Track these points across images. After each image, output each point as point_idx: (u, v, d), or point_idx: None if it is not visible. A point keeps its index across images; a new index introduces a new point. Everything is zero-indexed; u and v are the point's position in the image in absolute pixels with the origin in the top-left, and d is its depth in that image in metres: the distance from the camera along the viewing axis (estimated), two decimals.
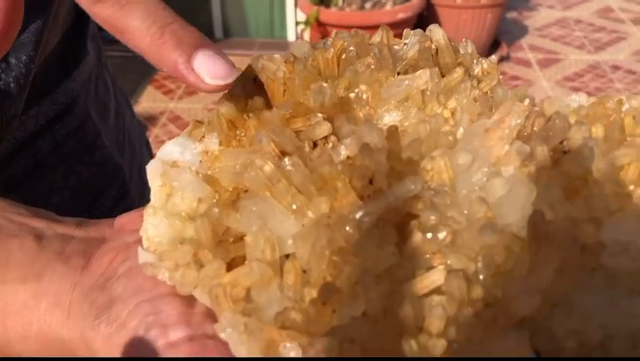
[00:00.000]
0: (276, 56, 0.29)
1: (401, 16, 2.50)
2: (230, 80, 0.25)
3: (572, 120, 0.25)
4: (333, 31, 0.31)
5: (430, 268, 0.22)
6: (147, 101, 2.51)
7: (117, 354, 0.23)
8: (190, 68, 0.24)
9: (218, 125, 0.28)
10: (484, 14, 2.71)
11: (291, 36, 3.02)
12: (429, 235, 0.22)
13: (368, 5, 2.61)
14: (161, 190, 0.26)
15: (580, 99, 0.27)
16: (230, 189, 0.25)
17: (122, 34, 0.25)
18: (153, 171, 0.27)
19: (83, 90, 0.51)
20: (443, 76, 0.28)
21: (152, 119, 2.40)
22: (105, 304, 0.25)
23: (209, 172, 0.26)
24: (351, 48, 0.28)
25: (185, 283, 0.23)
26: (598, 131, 0.25)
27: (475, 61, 0.28)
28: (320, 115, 0.26)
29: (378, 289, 0.21)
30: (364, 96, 0.28)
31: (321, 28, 2.57)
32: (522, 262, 0.21)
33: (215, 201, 0.24)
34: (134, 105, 2.54)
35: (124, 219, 0.30)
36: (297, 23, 2.81)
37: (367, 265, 0.21)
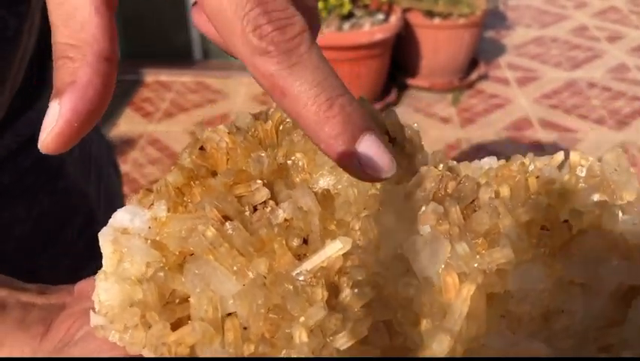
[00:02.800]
0: (220, 126, 0.32)
1: (379, 36, 2.57)
2: (389, 175, 0.23)
3: (483, 181, 0.28)
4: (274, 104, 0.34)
5: (358, 320, 0.24)
6: (126, 124, 2.51)
7: None
8: (353, 153, 0.22)
9: (166, 193, 0.30)
10: (461, 34, 2.83)
11: None
12: (356, 291, 0.25)
13: (346, 26, 2.69)
14: (113, 256, 0.28)
15: (491, 162, 0.30)
16: (177, 253, 0.27)
17: (283, 95, 0.22)
18: (105, 238, 0.29)
19: None
20: None
21: (130, 142, 2.40)
22: None
23: (157, 238, 0.28)
24: (288, 120, 0.31)
25: (134, 344, 0.25)
26: (504, 191, 0.28)
27: (400, 126, 0.32)
28: (259, 181, 0.29)
29: (310, 343, 0.23)
30: (300, 163, 0.30)
31: None
32: (438, 310, 0.24)
33: (162, 265, 0.27)
34: (112, 128, 2.51)
35: (83, 285, 0.32)
36: None
37: (301, 321, 0.23)
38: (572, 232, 0.26)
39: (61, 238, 0.54)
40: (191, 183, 0.30)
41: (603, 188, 0.27)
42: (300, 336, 0.23)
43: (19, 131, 0.49)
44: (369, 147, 0.22)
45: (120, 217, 0.30)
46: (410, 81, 2.91)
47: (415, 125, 0.32)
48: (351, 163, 0.22)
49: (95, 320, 0.26)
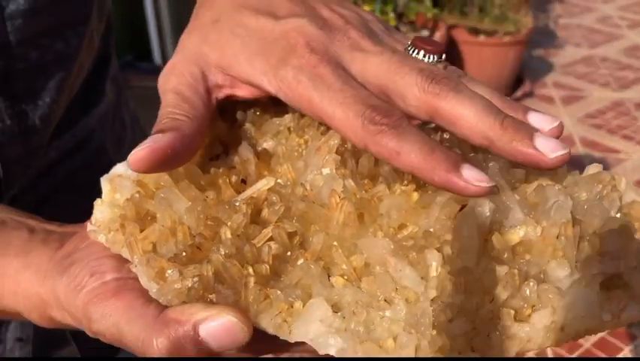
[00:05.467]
0: None
1: None
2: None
3: None
4: None
5: (268, 228, 0.36)
6: None
7: (72, 294, 0.37)
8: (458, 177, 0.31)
9: None
10: (505, 51, 2.92)
11: None
12: (271, 209, 0.37)
13: None
14: (109, 192, 0.41)
15: None
16: (154, 189, 0.41)
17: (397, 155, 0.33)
18: (105, 180, 0.42)
19: (100, 126, 0.67)
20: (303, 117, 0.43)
21: None
22: (67, 266, 0.39)
23: (142, 180, 0.41)
24: (241, 103, 0.44)
25: (115, 243, 0.38)
26: None
27: None
28: (217, 142, 0.42)
29: (234, 241, 0.36)
30: (249, 132, 0.43)
31: None
32: (323, 220, 0.36)
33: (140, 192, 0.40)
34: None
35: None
36: None
37: (228, 224, 0.36)
38: None
39: None
40: None
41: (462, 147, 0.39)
42: (225, 233, 0.35)
43: (77, 134, 0.64)
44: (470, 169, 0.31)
45: (118, 168, 0.44)
46: None
47: None
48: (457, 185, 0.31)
49: (89, 227, 0.39)
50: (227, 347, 0.32)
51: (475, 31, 3.02)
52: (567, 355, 1.74)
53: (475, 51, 3.02)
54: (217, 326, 0.31)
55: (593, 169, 0.38)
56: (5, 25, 0.51)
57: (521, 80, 3.10)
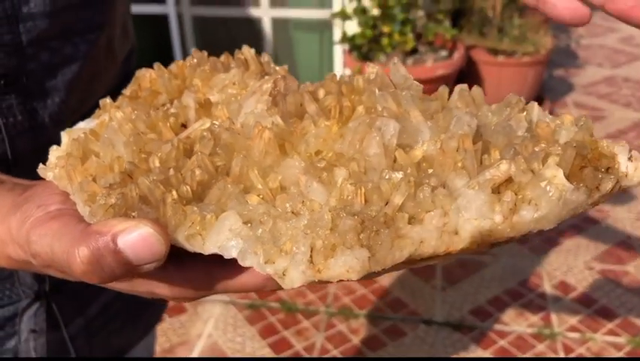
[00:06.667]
0: (150, 69, 0.48)
1: (440, 72, 2.72)
2: None
3: (311, 89, 0.43)
4: (192, 49, 0.50)
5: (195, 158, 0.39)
6: None
7: (21, 225, 0.40)
8: None
9: (109, 108, 0.46)
10: (525, 71, 2.91)
11: None
12: (202, 142, 0.39)
13: (410, 62, 2.86)
14: (68, 142, 0.44)
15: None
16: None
17: None
18: (65, 132, 0.45)
19: None
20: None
21: None
22: (22, 205, 0.42)
23: (95, 129, 0.44)
24: (194, 60, 0.47)
25: (61, 178, 0.40)
26: (321, 93, 0.42)
27: (271, 65, 0.47)
28: (164, 95, 0.45)
29: (163, 170, 0.38)
30: (196, 86, 0.46)
31: None
32: (247, 149, 0.38)
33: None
34: None
35: None
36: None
37: (158, 155, 0.38)
38: (356, 110, 0.40)
39: None
40: (126, 101, 0.46)
41: (385, 86, 0.41)
42: (154, 162, 0.38)
43: None
44: None
45: (79, 125, 0.47)
46: None
47: (285, 66, 0.47)
48: None
49: (41, 167, 0.42)
50: (145, 259, 0.34)
51: (494, 52, 3.03)
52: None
53: (494, 71, 3.02)
54: (135, 237, 0.33)
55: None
56: (19, 25, 0.56)
57: (541, 99, 3.08)
